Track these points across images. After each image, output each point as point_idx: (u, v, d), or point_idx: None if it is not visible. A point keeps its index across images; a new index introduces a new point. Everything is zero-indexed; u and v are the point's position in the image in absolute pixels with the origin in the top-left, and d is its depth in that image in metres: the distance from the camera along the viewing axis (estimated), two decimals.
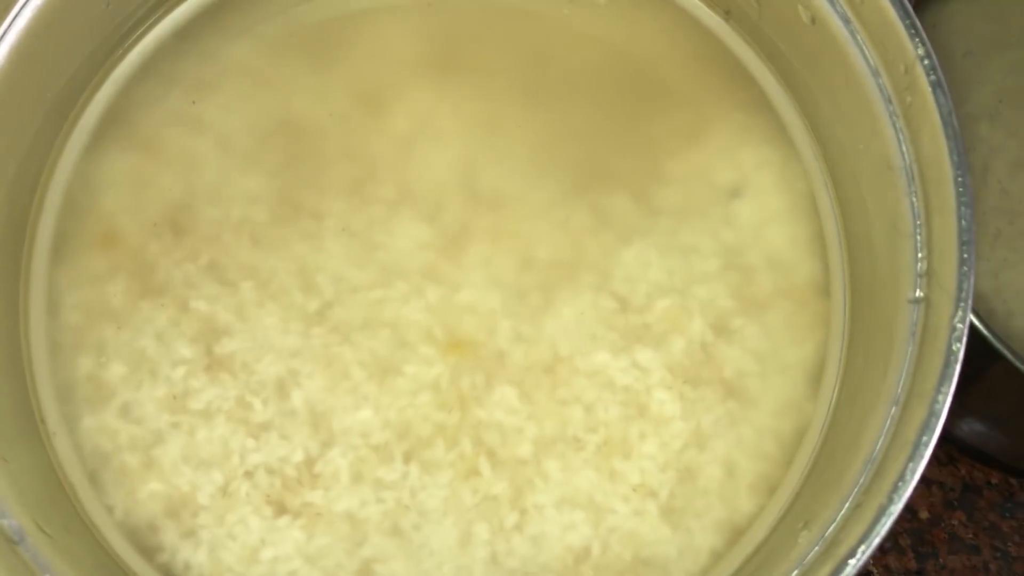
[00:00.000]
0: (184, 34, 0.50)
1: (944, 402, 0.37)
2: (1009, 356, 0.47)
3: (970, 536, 0.59)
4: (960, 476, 0.61)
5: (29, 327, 0.46)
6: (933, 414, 0.37)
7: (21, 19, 0.43)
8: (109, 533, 0.44)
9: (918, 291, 0.40)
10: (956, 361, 0.37)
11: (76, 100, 0.48)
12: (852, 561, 0.35)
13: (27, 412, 0.44)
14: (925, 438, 0.36)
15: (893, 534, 0.59)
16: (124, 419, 0.45)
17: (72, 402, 0.45)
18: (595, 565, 0.43)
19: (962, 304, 0.38)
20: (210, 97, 0.49)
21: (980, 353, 0.48)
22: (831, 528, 0.38)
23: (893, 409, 0.39)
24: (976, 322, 0.47)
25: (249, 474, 0.44)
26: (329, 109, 0.48)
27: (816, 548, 0.37)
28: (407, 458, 0.44)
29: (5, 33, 0.42)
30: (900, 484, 0.36)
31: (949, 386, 0.37)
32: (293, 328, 0.46)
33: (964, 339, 0.37)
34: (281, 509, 0.44)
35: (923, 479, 0.59)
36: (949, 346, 0.37)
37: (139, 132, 0.48)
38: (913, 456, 0.36)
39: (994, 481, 0.60)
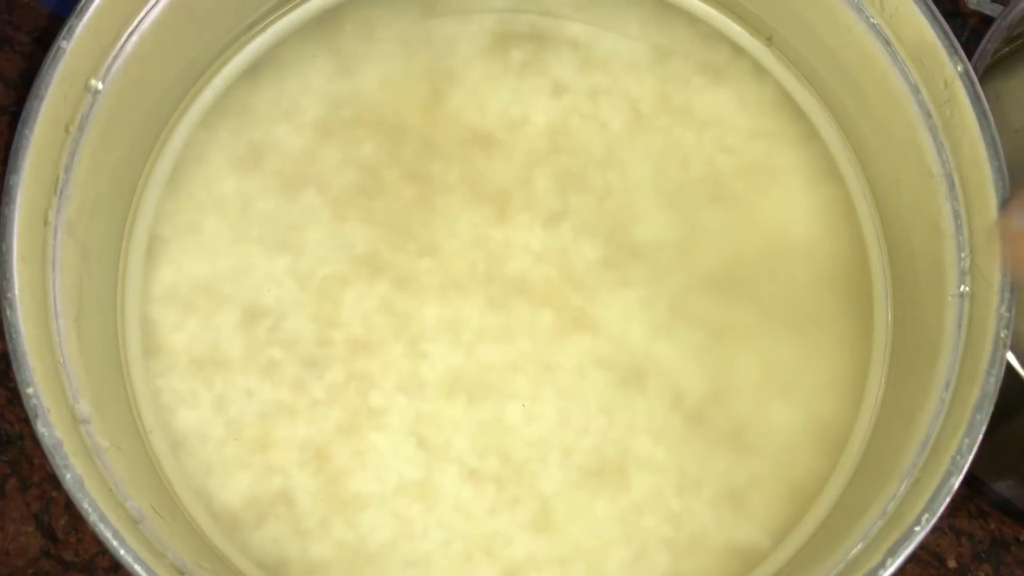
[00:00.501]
0: None
1: (995, 384, 0.39)
2: None
3: None
4: (990, 530, 0.62)
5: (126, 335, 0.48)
6: (986, 394, 0.39)
7: None
8: (205, 524, 0.46)
9: (963, 287, 0.43)
10: (1005, 347, 0.40)
11: None
12: (917, 528, 0.37)
13: (128, 409, 0.47)
14: (979, 416, 0.39)
15: None
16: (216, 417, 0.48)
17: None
18: None
19: (1007, 295, 0.41)
20: None
21: (1014, 405, 0.50)
22: (892, 503, 0.40)
23: (944, 393, 0.41)
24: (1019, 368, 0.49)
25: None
26: None
27: (879, 522, 0.39)
28: None
29: None
30: (958, 457, 0.38)
31: (1000, 369, 0.39)
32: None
33: (1011, 326, 0.40)
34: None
35: (953, 529, 0.61)
36: (997, 333, 0.40)
37: None
38: (969, 432, 0.39)
39: (1023, 538, 0.62)
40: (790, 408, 0.48)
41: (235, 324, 0.49)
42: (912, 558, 0.60)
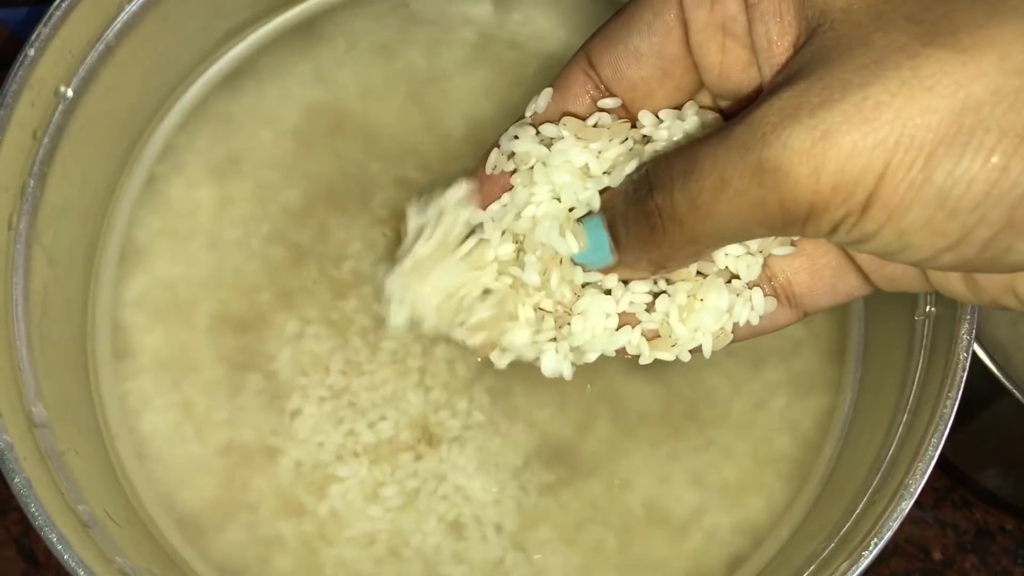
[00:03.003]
0: None
1: (952, 407, 0.39)
2: None
3: None
4: (974, 520, 0.61)
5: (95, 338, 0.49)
6: (942, 418, 0.38)
7: None
8: (166, 529, 0.46)
9: (929, 307, 0.42)
10: (964, 369, 0.39)
11: None
12: (865, 553, 0.37)
13: (92, 413, 0.47)
14: (935, 439, 0.38)
15: (907, 572, 0.60)
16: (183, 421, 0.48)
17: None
18: None
19: (967, 317, 0.40)
20: None
21: (996, 400, 0.50)
22: (846, 527, 0.39)
23: (904, 416, 0.41)
24: (995, 370, 0.49)
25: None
26: None
27: (831, 545, 0.39)
28: None
29: None
30: (910, 482, 0.38)
31: (957, 391, 0.39)
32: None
33: (970, 349, 0.39)
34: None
35: (938, 520, 0.60)
36: (957, 356, 0.40)
37: None
38: (922, 457, 0.38)
39: (1008, 527, 0.61)
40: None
41: (206, 329, 0.49)
42: (897, 551, 0.60)
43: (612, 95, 0.34)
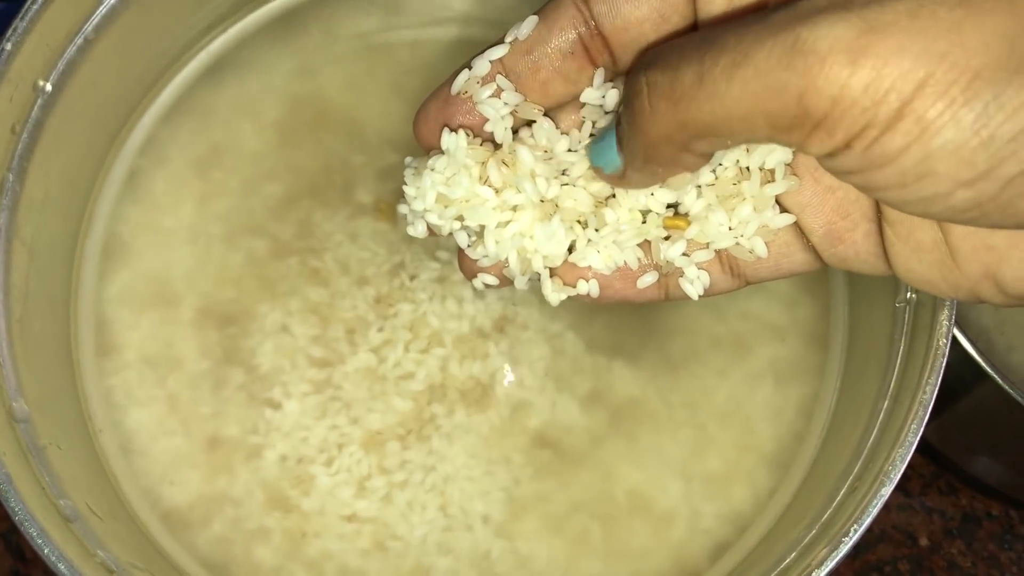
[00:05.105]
0: None
1: (931, 393, 0.39)
2: (1009, 389, 0.49)
3: (968, 565, 0.60)
4: (961, 506, 0.62)
5: (79, 333, 0.49)
6: (922, 404, 0.38)
7: None
8: (151, 523, 0.46)
9: (910, 293, 0.42)
10: (943, 356, 0.39)
11: None
12: (846, 539, 0.37)
13: (77, 408, 0.47)
14: (914, 426, 0.38)
15: (893, 559, 0.60)
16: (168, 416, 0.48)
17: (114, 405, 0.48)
18: None
19: (947, 303, 0.40)
20: None
21: (981, 385, 0.50)
22: (827, 514, 0.39)
23: (885, 403, 0.41)
24: (976, 356, 0.49)
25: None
26: None
27: (813, 532, 0.39)
28: None
29: None
30: (889, 468, 0.38)
31: (937, 377, 0.39)
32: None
33: (949, 335, 0.39)
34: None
35: (924, 507, 0.60)
36: (936, 342, 0.40)
37: None
38: (902, 443, 0.38)
39: (994, 513, 0.61)
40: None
41: (189, 323, 0.49)
42: (884, 538, 0.60)
43: (601, 33, 0.32)
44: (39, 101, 0.44)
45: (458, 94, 0.33)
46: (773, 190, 0.32)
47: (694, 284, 0.34)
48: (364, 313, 0.49)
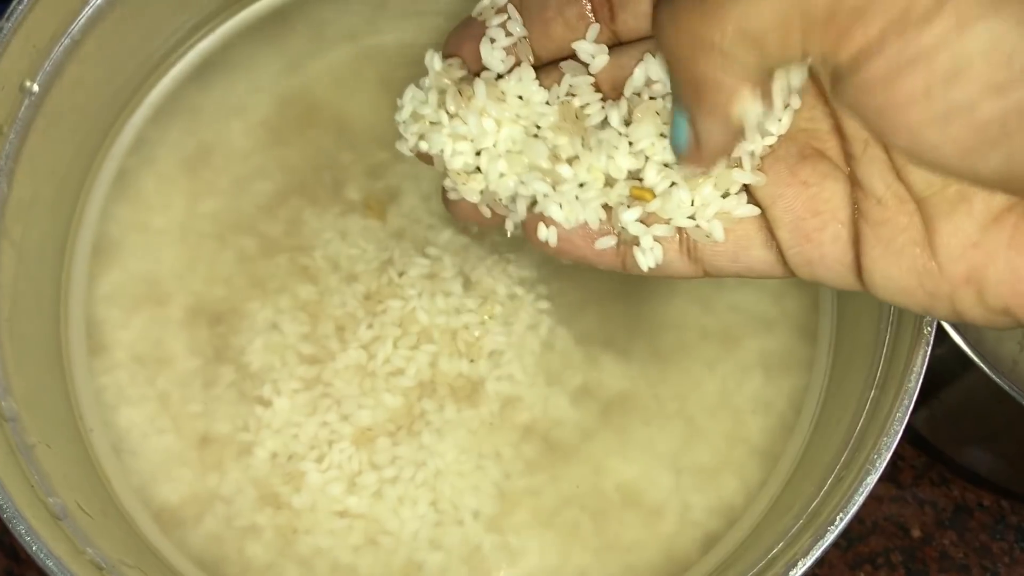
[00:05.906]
0: None
1: (916, 381, 0.39)
2: (998, 379, 0.49)
3: (961, 556, 0.60)
4: (953, 497, 0.62)
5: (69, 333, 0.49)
6: (907, 392, 0.39)
7: None
8: (142, 521, 0.46)
9: None
10: (928, 344, 0.39)
11: None
12: (831, 528, 0.37)
13: (67, 407, 0.47)
14: (899, 414, 0.38)
15: (886, 550, 0.60)
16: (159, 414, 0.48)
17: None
18: None
19: None
20: None
21: (970, 376, 0.50)
22: (814, 503, 0.39)
23: (872, 392, 0.41)
24: (963, 345, 0.48)
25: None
26: None
27: (800, 522, 0.39)
28: None
29: None
30: (875, 456, 0.38)
31: (922, 365, 0.39)
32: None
33: (935, 322, 0.40)
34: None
35: (916, 498, 0.61)
36: (921, 330, 0.40)
37: None
38: (887, 431, 0.38)
39: (986, 503, 0.61)
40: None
41: (180, 321, 0.49)
42: (876, 529, 0.60)
43: None
44: (26, 102, 0.44)
45: (475, 18, 0.35)
46: (740, 176, 0.32)
47: (646, 255, 0.34)
48: (354, 310, 0.49)
